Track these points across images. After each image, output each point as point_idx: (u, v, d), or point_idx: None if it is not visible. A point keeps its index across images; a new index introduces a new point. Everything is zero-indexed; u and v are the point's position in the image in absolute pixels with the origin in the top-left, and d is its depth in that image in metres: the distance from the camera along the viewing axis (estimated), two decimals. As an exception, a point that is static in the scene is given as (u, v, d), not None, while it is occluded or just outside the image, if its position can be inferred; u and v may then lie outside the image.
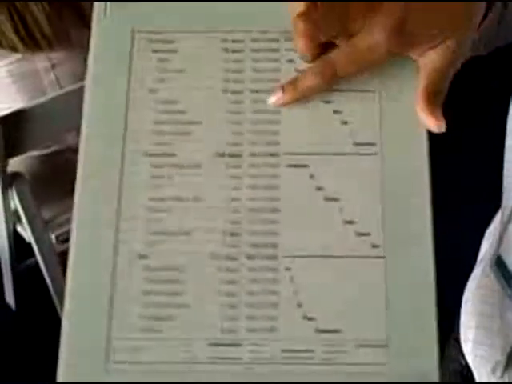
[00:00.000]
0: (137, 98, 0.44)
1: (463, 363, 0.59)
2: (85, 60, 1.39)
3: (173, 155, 0.43)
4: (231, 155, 0.43)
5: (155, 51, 0.45)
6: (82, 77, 1.43)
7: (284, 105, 0.43)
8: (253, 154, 0.43)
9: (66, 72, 1.48)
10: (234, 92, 0.44)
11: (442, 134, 0.42)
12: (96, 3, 0.46)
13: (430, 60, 0.42)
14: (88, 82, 0.45)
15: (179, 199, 0.42)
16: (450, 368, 0.63)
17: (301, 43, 0.41)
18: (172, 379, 0.40)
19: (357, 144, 0.43)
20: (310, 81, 0.42)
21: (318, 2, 0.40)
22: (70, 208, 1.39)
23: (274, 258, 0.42)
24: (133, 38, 0.45)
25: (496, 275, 0.51)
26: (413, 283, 0.41)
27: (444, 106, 0.42)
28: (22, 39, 1.33)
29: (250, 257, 0.42)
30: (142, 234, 0.42)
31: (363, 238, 0.42)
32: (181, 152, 0.43)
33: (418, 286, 0.41)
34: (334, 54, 0.42)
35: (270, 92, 0.44)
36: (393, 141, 0.43)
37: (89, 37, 1.35)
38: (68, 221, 1.46)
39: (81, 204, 0.42)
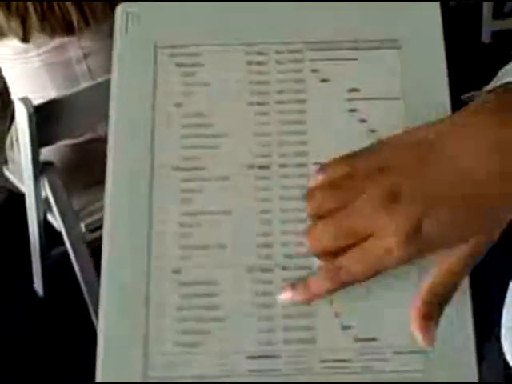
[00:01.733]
0: (163, 113, 0.44)
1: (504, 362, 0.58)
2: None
3: (202, 169, 0.43)
4: (260, 167, 0.43)
5: (179, 65, 0.45)
6: (114, 67, 1.44)
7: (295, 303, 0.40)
8: (282, 165, 0.43)
9: (97, 62, 1.48)
10: (259, 104, 0.44)
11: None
12: (117, 16, 0.45)
13: (446, 259, 0.38)
14: (112, 97, 0.44)
15: (210, 213, 0.42)
16: (492, 367, 0.62)
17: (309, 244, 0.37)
18: None
19: None
20: (320, 285, 0.37)
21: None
22: (100, 197, 1.40)
23: (307, 268, 0.41)
24: (156, 53, 0.45)
25: None
26: None
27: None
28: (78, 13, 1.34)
29: (284, 268, 0.42)
30: (174, 248, 0.42)
31: None
32: (209, 165, 0.43)
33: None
34: (344, 260, 0.37)
35: (295, 102, 0.44)
36: None
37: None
38: (98, 210, 1.47)
39: (112, 219, 0.42)
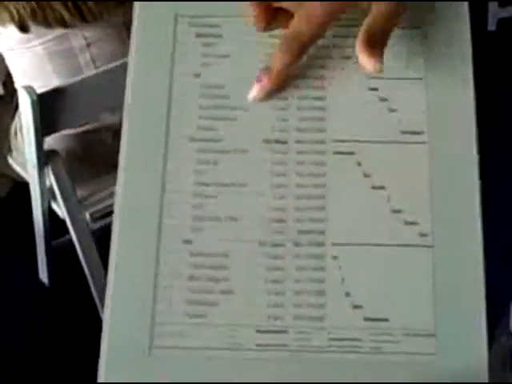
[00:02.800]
0: (181, 83, 0.44)
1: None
2: (120, 40, 1.40)
3: (219, 140, 0.43)
4: (277, 141, 0.42)
5: (199, 35, 0.44)
6: (117, 56, 1.44)
7: (266, 95, 0.42)
8: (299, 141, 0.42)
9: (101, 51, 1.48)
10: None
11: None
12: None
13: (375, 4, 0.41)
14: (130, 66, 0.44)
15: (225, 185, 0.42)
16: (499, 358, 0.62)
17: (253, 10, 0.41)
18: (217, 365, 0.40)
19: (404, 132, 0.42)
20: (280, 61, 0.41)
21: None
22: (104, 186, 1.40)
23: (321, 245, 0.41)
24: (176, 23, 0.44)
25: None
26: (461, 272, 0.40)
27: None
28: (69, 11, 1.34)
29: (296, 244, 0.41)
30: (186, 219, 0.41)
31: (411, 226, 0.41)
32: (226, 137, 0.43)
33: (466, 275, 0.40)
34: (290, 26, 0.41)
35: (315, 78, 0.43)
36: (440, 129, 0.42)
37: (125, 17, 1.35)
38: (103, 199, 1.47)
39: (125, 187, 0.42)
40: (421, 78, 0.43)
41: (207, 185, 0.42)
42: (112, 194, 1.48)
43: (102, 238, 1.47)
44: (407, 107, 0.43)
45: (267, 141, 0.43)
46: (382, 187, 0.42)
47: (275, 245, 0.41)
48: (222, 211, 0.42)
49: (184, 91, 0.43)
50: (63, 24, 1.36)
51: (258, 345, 0.40)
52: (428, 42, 0.43)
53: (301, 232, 0.41)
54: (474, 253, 0.40)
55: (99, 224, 1.48)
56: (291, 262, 0.41)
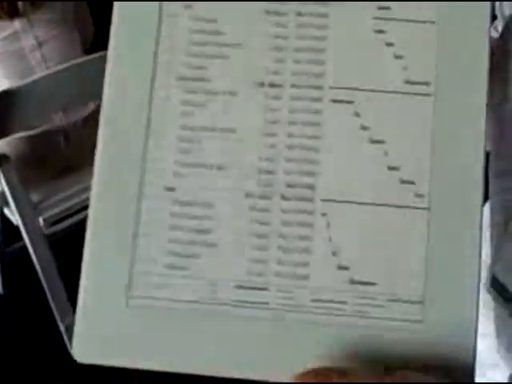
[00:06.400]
0: (170, 12, 0.40)
1: None
2: (71, 40, 1.36)
3: (207, 80, 0.40)
4: (271, 85, 0.40)
5: None
6: (69, 57, 1.41)
7: None
8: (295, 86, 0.40)
9: (52, 51, 1.46)
10: (277, 13, 0.40)
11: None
12: None
13: None
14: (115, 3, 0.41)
15: (212, 129, 0.39)
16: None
17: None
18: (194, 319, 0.38)
19: (409, 82, 0.39)
20: None
21: None
22: (58, 190, 1.36)
23: (310, 200, 0.39)
24: None
25: (495, 298, 0.47)
26: (456, 240, 0.38)
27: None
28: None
29: (284, 197, 0.39)
30: (170, 165, 0.39)
31: (407, 185, 0.39)
32: (216, 77, 0.40)
33: (461, 243, 0.38)
34: None
35: (317, 16, 0.40)
36: (449, 82, 0.39)
37: (76, 15, 1.32)
38: (57, 203, 1.44)
39: (106, 129, 0.39)
40: (433, 22, 0.40)
41: (193, 129, 0.39)
42: (67, 198, 1.46)
43: (56, 243, 1.44)
44: (415, 54, 0.40)
45: (260, 83, 0.40)
46: (380, 141, 0.39)
47: (262, 197, 0.39)
48: (208, 158, 0.39)
49: (173, 22, 0.40)
50: (14, 13, 1.33)
51: (237, 300, 0.38)
52: None
53: (290, 185, 0.39)
54: (472, 220, 0.38)
55: (53, 229, 1.45)
56: (278, 215, 0.39)
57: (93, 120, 1.51)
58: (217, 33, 0.41)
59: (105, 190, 0.39)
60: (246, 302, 0.38)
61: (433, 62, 0.40)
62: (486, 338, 0.49)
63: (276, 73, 0.40)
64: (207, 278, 0.39)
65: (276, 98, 0.40)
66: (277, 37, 0.40)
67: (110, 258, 0.39)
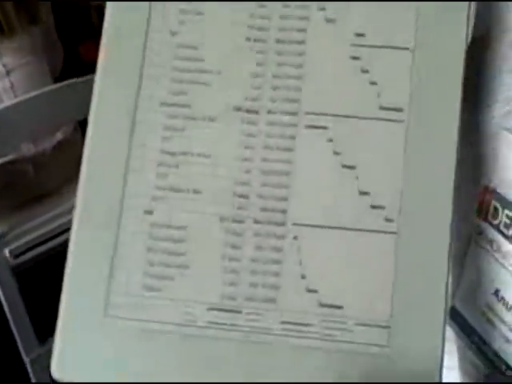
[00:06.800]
0: (155, 41, 0.41)
1: None
2: (40, 68, 1.36)
3: (187, 106, 0.41)
4: (248, 111, 0.41)
5: None
6: (37, 85, 1.41)
7: None
8: (271, 111, 0.40)
9: (21, 79, 1.45)
10: (257, 40, 0.41)
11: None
12: None
13: None
14: (107, 17, 0.42)
15: (190, 154, 0.40)
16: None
17: None
18: (168, 340, 0.39)
19: (383, 108, 0.40)
20: None
21: None
22: (25, 220, 1.34)
23: (282, 224, 0.39)
24: None
25: (455, 331, 0.47)
26: (424, 265, 0.39)
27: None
28: None
29: (257, 221, 0.40)
30: (149, 188, 0.40)
31: (377, 210, 0.39)
32: (196, 103, 0.41)
33: (429, 267, 0.39)
34: None
35: (295, 43, 0.41)
36: (422, 109, 0.40)
37: (41, 40, 1.32)
38: (23, 234, 1.42)
39: (91, 150, 0.40)
40: (409, 49, 0.41)
41: (172, 154, 0.40)
42: (34, 228, 1.45)
43: (22, 275, 1.42)
44: (389, 80, 0.40)
45: (238, 109, 0.41)
46: (351, 167, 0.40)
47: (236, 221, 0.40)
48: (186, 182, 0.40)
49: (158, 49, 0.41)
50: None
51: (209, 322, 0.39)
52: (421, 6, 0.41)
53: (263, 209, 0.40)
54: (440, 246, 0.39)
55: (19, 260, 1.43)
56: (250, 239, 0.40)
57: (61, 149, 1.50)
58: (198, 59, 0.41)
59: (86, 212, 0.40)
60: (218, 323, 0.39)
61: (407, 89, 0.40)
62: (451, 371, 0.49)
63: (254, 99, 0.41)
64: (181, 299, 0.39)
65: (252, 123, 0.41)
66: (256, 64, 0.41)
67: (88, 279, 0.39)
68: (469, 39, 0.44)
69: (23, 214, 1.43)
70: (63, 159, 1.48)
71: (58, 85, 1.37)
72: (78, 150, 1.46)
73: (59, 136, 1.51)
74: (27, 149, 1.46)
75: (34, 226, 1.42)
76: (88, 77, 1.31)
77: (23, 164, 1.46)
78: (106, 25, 0.42)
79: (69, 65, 1.64)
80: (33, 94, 1.35)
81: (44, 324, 1.48)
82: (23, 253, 1.43)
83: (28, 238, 1.42)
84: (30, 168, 1.46)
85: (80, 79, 1.31)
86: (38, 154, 1.47)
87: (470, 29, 0.45)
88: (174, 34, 0.42)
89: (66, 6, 1.86)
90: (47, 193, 1.45)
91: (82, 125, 1.54)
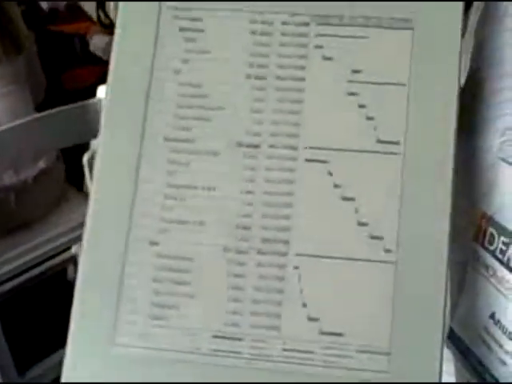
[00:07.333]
0: (160, 79, 0.43)
1: None
2: (23, 98, 1.36)
3: (192, 141, 0.42)
4: (249, 145, 0.42)
5: (182, 29, 0.43)
6: (20, 115, 1.41)
7: None
8: (271, 146, 0.42)
9: (3, 109, 1.45)
10: (257, 77, 0.43)
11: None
12: None
13: None
14: (113, 56, 0.43)
15: (194, 187, 0.42)
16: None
17: None
18: (174, 367, 0.40)
19: (380, 142, 0.41)
20: None
21: None
22: (5, 250, 1.32)
23: (283, 254, 0.41)
24: (160, 14, 0.43)
25: (453, 352, 0.49)
26: (422, 293, 0.40)
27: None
28: None
29: (259, 252, 0.41)
30: (155, 220, 0.41)
31: (376, 241, 0.41)
32: (200, 138, 0.42)
33: (427, 295, 0.40)
34: None
35: (294, 79, 0.42)
36: (418, 142, 0.41)
37: (24, 69, 1.33)
38: (5, 262, 1.41)
39: (98, 184, 0.42)
40: (404, 84, 0.42)
41: (178, 187, 0.42)
42: (15, 257, 1.44)
43: (3, 304, 1.41)
44: (386, 115, 0.42)
45: (240, 144, 0.42)
46: (351, 198, 0.41)
47: (239, 251, 0.41)
48: (190, 214, 0.41)
49: (163, 87, 0.43)
50: None
51: (213, 350, 0.40)
52: (417, 42, 0.42)
53: (265, 240, 0.41)
54: (437, 274, 0.40)
55: (1, 289, 1.41)
56: (253, 269, 0.41)
57: (43, 177, 1.49)
58: (201, 96, 0.43)
59: (94, 244, 0.41)
60: (222, 351, 0.40)
61: (403, 122, 0.42)
62: None
63: (255, 134, 0.42)
64: (186, 327, 0.41)
65: (254, 157, 0.42)
66: (257, 100, 0.43)
67: (96, 307, 0.41)
68: (465, 74, 0.46)
69: (5, 243, 1.43)
70: (45, 188, 1.48)
71: (41, 114, 1.37)
72: (60, 178, 1.46)
73: (41, 165, 1.50)
74: (9, 177, 1.45)
75: (16, 255, 1.42)
76: (71, 106, 1.32)
77: (5, 193, 1.45)
78: (112, 63, 0.43)
79: (52, 93, 1.65)
80: (15, 123, 1.35)
81: (24, 355, 1.46)
82: (4, 282, 1.42)
83: (10, 266, 1.41)
84: (12, 197, 1.46)
85: (62, 108, 1.32)
86: (19, 183, 1.46)
87: (465, 64, 0.46)
88: (177, 72, 0.43)
89: (50, 36, 1.87)
90: (30, 221, 1.44)
91: (65, 153, 1.55)
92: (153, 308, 0.41)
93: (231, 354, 0.40)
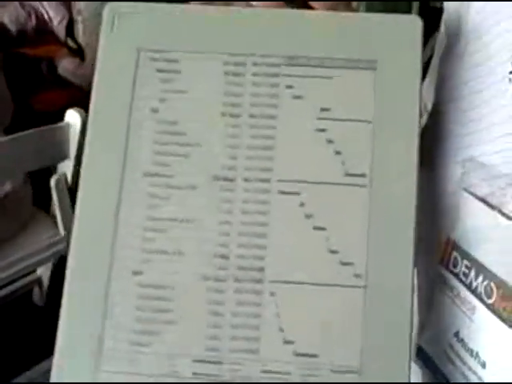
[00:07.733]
0: (139, 117, 0.45)
1: None
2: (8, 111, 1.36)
3: (171, 176, 0.44)
4: (226, 179, 0.44)
5: (159, 70, 0.45)
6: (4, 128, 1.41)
7: None
8: (246, 179, 0.44)
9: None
10: (232, 115, 0.45)
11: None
12: (105, 15, 0.46)
13: None
14: (93, 95, 0.45)
15: (174, 220, 0.44)
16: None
17: None
18: None
19: (348, 175, 0.44)
20: None
21: None
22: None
23: (259, 281, 0.43)
24: (138, 56, 0.45)
25: (422, 370, 0.51)
26: (390, 314, 0.42)
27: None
28: None
29: (237, 279, 0.43)
30: (137, 251, 0.43)
31: (346, 267, 0.43)
32: (178, 174, 0.44)
33: (394, 316, 0.42)
34: None
35: (266, 117, 0.45)
36: (383, 175, 0.44)
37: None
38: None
39: (80, 216, 0.44)
40: (370, 121, 0.45)
41: (158, 219, 0.44)
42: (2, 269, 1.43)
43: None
44: (352, 149, 0.44)
45: (216, 178, 0.44)
46: (322, 228, 0.43)
47: (218, 279, 0.43)
48: (171, 245, 0.43)
49: (141, 126, 0.45)
50: None
51: (194, 373, 0.42)
52: (380, 82, 0.45)
53: (242, 268, 0.43)
54: (403, 296, 0.43)
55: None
56: (231, 296, 0.43)
57: (10, 199, 1.49)
58: (179, 133, 0.45)
59: (78, 274, 0.43)
60: (203, 374, 0.42)
61: (369, 157, 0.44)
62: None
63: (230, 168, 0.45)
64: (167, 353, 0.42)
65: (230, 190, 0.44)
66: (231, 136, 0.45)
67: (80, 335, 0.42)
68: (429, 108, 0.49)
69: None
70: (12, 210, 1.48)
71: (9, 137, 1.38)
72: (27, 201, 1.46)
73: (8, 187, 1.51)
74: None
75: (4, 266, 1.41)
76: (39, 129, 1.32)
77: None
78: (92, 101, 0.45)
79: (20, 116, 1.65)
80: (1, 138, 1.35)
81: (6, 371, 1.45)
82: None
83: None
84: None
85: (31, 131, 1.32)
86: (4, 194, 1.46)
87: (426, 99, 0.49)
88: (155, 111, 0.45)
89: (17, 58, 1.86)
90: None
91: (32, 176, 1.55)
92: (135, 335, 0.42)
93: (212, 378, 0.42)
